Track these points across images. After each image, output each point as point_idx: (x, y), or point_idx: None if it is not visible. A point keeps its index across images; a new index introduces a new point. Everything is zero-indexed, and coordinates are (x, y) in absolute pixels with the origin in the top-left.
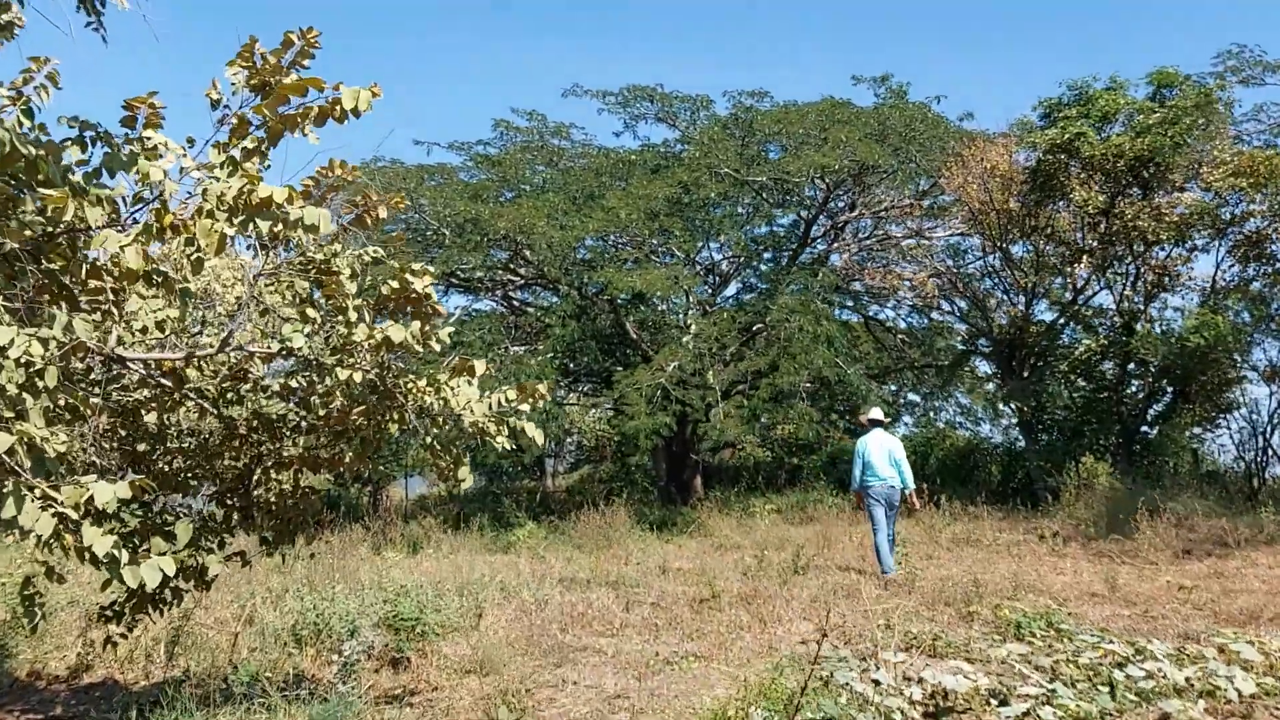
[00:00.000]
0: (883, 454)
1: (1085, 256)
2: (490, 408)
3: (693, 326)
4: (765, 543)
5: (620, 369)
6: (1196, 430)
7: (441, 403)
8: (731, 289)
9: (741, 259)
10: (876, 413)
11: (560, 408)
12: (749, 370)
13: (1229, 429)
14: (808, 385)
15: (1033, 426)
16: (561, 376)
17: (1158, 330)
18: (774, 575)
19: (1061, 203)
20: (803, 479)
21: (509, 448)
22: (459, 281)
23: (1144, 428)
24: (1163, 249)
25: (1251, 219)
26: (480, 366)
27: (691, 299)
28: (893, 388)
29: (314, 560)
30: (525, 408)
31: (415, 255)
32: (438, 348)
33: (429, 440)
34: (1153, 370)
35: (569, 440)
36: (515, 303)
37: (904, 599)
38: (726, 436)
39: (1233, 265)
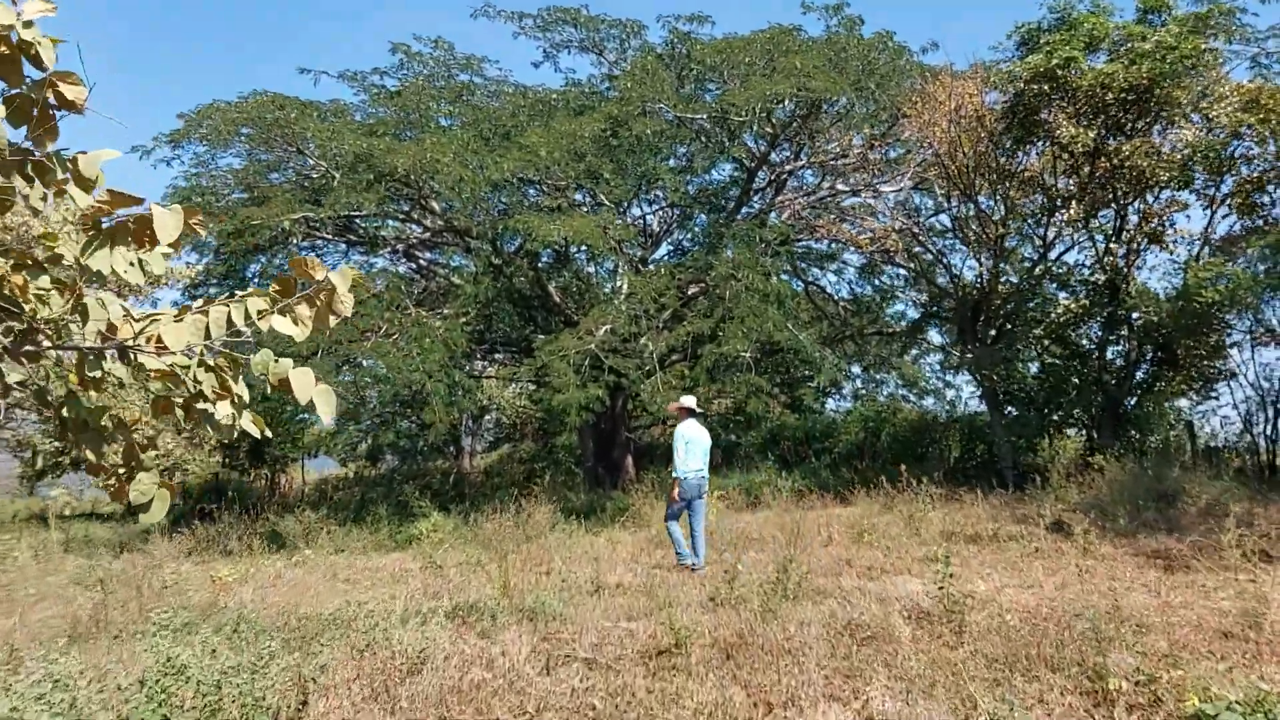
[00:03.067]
0: (700, 444)
1: (1073, 203)
2: (201, 337)
3: (624, 285)
4: (715, 537)
5: (542, 336)
6: (1184, 401)
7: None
8: (663, 250)
9: (676, 215)
10: (690, 400)
11: (475, 380)
12: (689, 335)
13: (1231, 398)
14: (745, 355)
15: (997, 398)
16: (475, 344)
17: (1146, 287)
18: (754, 599)
19: (1040, 144)
20: (741, 458)
21: (259, 433)
22: (358, 237)
23: (1128, 398)
24: (1155, 195)
25: (1253, 161)
26: (172, 220)
27: (623, 256)
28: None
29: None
30: (295, 330)
31: (298, 204)
32: None
33: (67, 414)
34: (1138, 334)
35: (488, 417)
36: (422, 263)
37: (952, 649)
38: (664, 411)
39: (1228, 215)
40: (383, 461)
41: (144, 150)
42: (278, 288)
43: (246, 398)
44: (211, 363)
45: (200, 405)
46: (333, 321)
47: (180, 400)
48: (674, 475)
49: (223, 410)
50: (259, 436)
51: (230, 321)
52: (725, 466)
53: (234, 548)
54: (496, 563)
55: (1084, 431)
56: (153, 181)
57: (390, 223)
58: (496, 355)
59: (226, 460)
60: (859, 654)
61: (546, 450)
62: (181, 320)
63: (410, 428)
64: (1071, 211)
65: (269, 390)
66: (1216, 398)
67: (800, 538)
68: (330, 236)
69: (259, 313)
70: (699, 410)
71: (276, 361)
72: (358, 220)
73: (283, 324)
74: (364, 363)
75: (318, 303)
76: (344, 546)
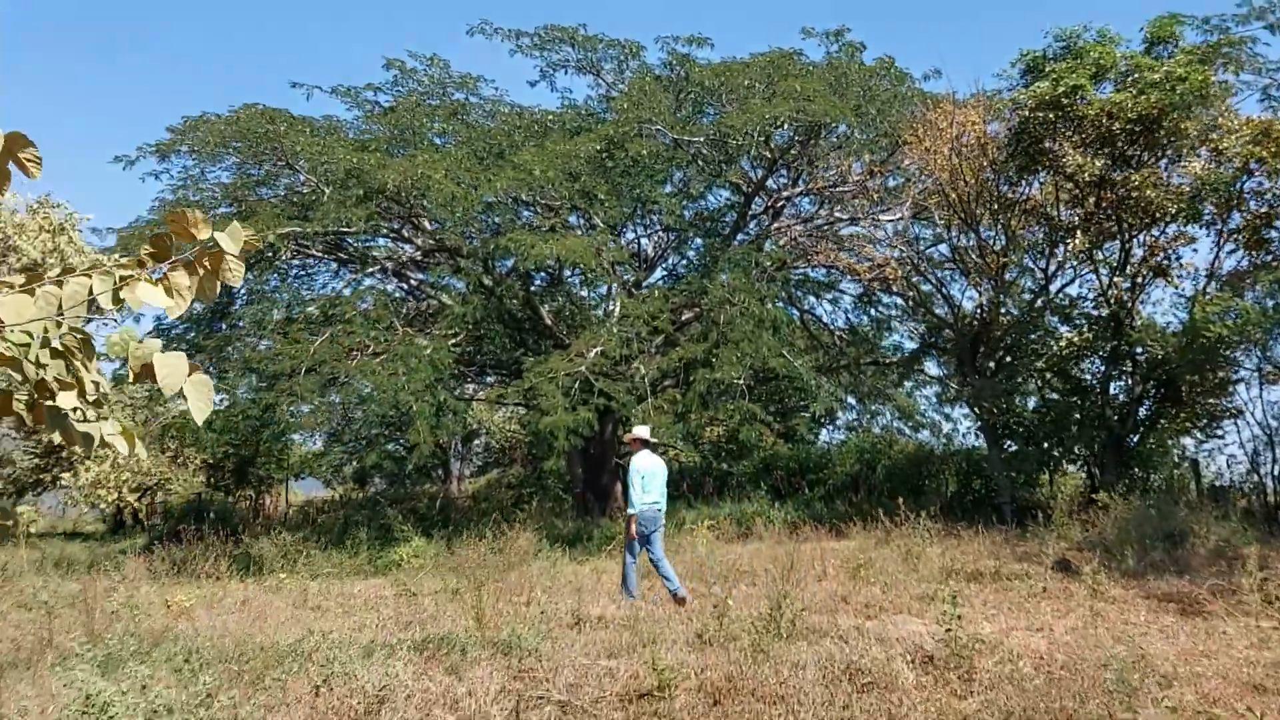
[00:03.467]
0: (656, 476)
1: (1079, 233)
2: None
3: (617, 308)
4: (706, 569)
5: (532, 359)
6: (1188, 440)
7: None
8: (657, 274)
9: (672, 239)
10: (643, 431)
11: (465, 403)
12: (682, 360)
13: (1238, 436)
14: (739, 381)
15: (996, 432)
16: (464, 366)
17: (1152, 321)
18: (744, 638)
19: (1042, 175)
20: (733, 488)
21: (127, 448)
22: (348, 255)
23: (1131, 435)
24: (1160, 228)
25: (1263, 195)
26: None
27: (616, 277)
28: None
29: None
30: (170, 303)
31: (286, 219)
32: None
33: None
34: (1142, 368)
35: (477, 441)
36: (413, 282)
37: (960, 698)
38: (655, 437)
39: (1234, 250)
40: (370, 484)
41: (127, 160)
42: (150, 250)
43: (104, 387)
44: (59, 344)
45: (48, 401)
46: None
47: (22, 399)
48: (629, 510)
49: (65, 401)
50: (126, 451)
51: (91, 293)
52: (716, 496)
53: (209, 570)
54: (473, 591)
55: (1085, 468)
56: (139, 193)
57: (381, 241)
58: (487, 378)
59: (211, 480)
60: (859, 702)
61: (535, 476)
62: (29, 291)
63: (397, 449)
64: (1076, 242)
65: (131, 378)
66: (1222, 436)
67: (794, 571)
68: (320, 254)
69: (121, 280)
70: (654, 441)
71: (140, 342)
72: (348, 238)
73: (152, 294)
74: (348, 382)
75: (200, 270)
76: (322, 570)
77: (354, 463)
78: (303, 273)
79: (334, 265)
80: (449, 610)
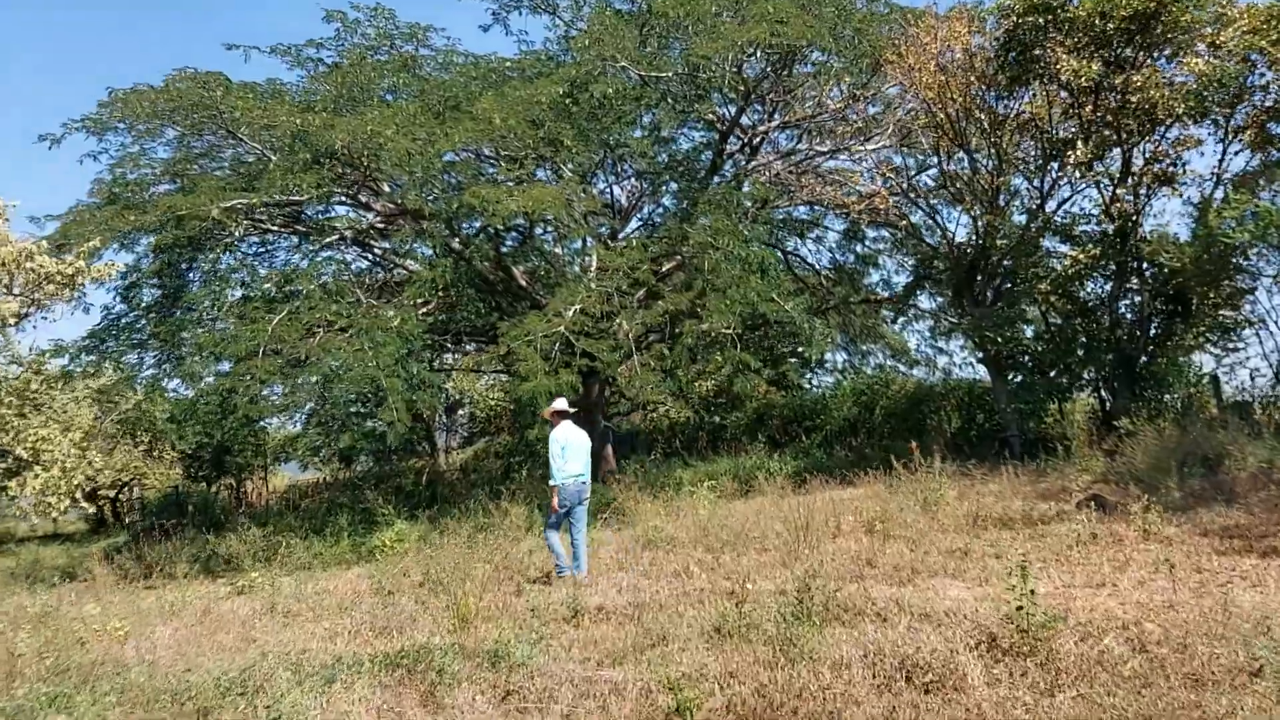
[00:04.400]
0: (580, 447)
1: (1079, 143)
2: None
3: (594, 262)
4: (711, 535)
5: (507, 322)
6: (1201, 354)
7: None
8: (633, 225)
9: (646, 188)
10: (562, 403)
11: (440, 374)
12: (667, 313)
13: (1260, 347)
14: (729, 330)
15: (999, 363)
16: (438, 335)
17: (1165, 231)
18: (769, 626)
19: (1035, 86)
20: (728, 441)
21: None
22: (308, 227)
23: (1142, 355)
24: (1164, 132)
25: (1268, 89)
26: None
27: (590, 229)
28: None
29: None
30: None
31: (230, 191)
32: None
33: None
34: (1150, 284)
35: (461, 412)
36: (376, 252)
37: (1049, 695)
38: (644, 395)
39: (1239, 150)
40: (356, 463)
41: (53, 139)
42: None
43: None
44: None
45: None
46: None
47: None
48: (550, 483)
49: None
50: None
51: None
52: (711, 451)
53: (181, 571)
54: (459, 584)
55: (1096, 393)
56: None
57: (341, 210)
58: (467, 346)
59: (189, 471)
60: (926, 710)
61: (523, 444)
62: None
63: (378, 426)
64: (1077, 153)
65: None
66: (1244, 348)
67: (807, 531)
68: (278, 229)
69: None
70: (573, 412)
71: None
72: (307, 210)
73: None
74: (312, 361)
75: None
76: (302, 563)
77: (331, 445)
78: (262, 249)
79: (295, 240)
80: (430, 608)
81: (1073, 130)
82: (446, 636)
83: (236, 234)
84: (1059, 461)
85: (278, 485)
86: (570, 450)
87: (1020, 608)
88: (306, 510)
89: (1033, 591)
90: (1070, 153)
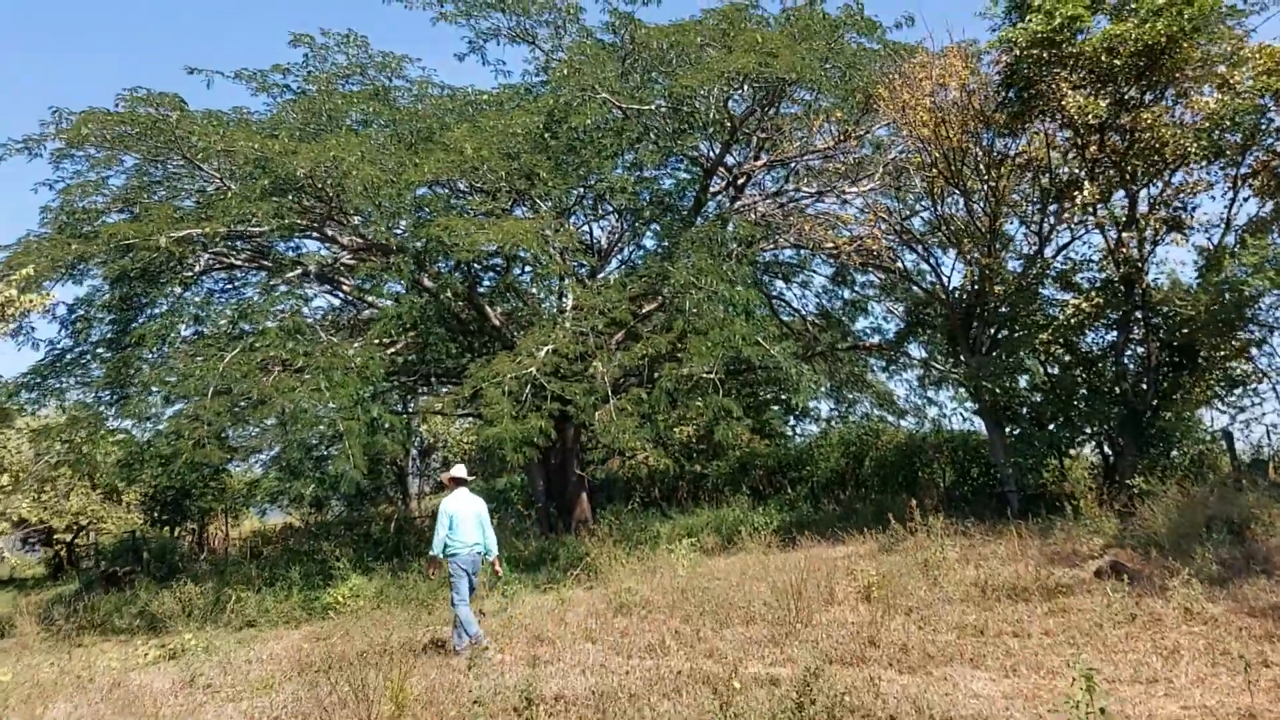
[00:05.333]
0: (471, 517)
1: (1086, 183)
2: None
3: (569, 300)
4: (690, 599)
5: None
6: (1209, 409)
7: None
8: (613, 267)
9: (626, 228)
10: (460, 470)
11: (402, 417)
12: (645, 356)
13: (1277, 403)
14: (710, 375)
15: (996, 414)
16: (404, 377)
17: (1177, 278)
18: None
19: (1036, 125)
20: (708, 491)
21: None
22: (275, 263)
23: (1147, 409)
24: (1170, 174)
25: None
26: None
27: (567, 267)
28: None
29: None
30: None
31: (184, 221)
32: None
33: None
34: (1158, 334)
35: (434, 455)
36: (345, 289)
37: None
38: (620, 441)
39: (1248, 197)
40: (327, 508)
41: None
42: None
43: None
44: None
45: None
46: None
47: None
48: (431, 554)
49: None
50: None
51: None
52: (691, 501)
53: (125, 624)
54: (399, 660)
55: (1099, 449)
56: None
57: (312, 245)
58: (442, 388)
59: (150, 516)
60: None
61: (497, 490)
62: None
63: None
64: (1084, 194)
65: None
66: (1260, 403)
67: (799, 599)
68: (243, 264)
69: None
70: (470, 480)
71: None
72: (277, 244)
73: None
74: (264, 402)
75: None
76: (250, 619)
77: (289, 490)
78: (230, 286)
79: (264, 276)
80: (363, 688)
81: (1076, 171)
82: None
83: (196, 268)
84: (1064, 521)
85: (247, 530)
86: (458, 519)
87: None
88: (267, 559)
89: (1103, 711)
90: (1077, 193)
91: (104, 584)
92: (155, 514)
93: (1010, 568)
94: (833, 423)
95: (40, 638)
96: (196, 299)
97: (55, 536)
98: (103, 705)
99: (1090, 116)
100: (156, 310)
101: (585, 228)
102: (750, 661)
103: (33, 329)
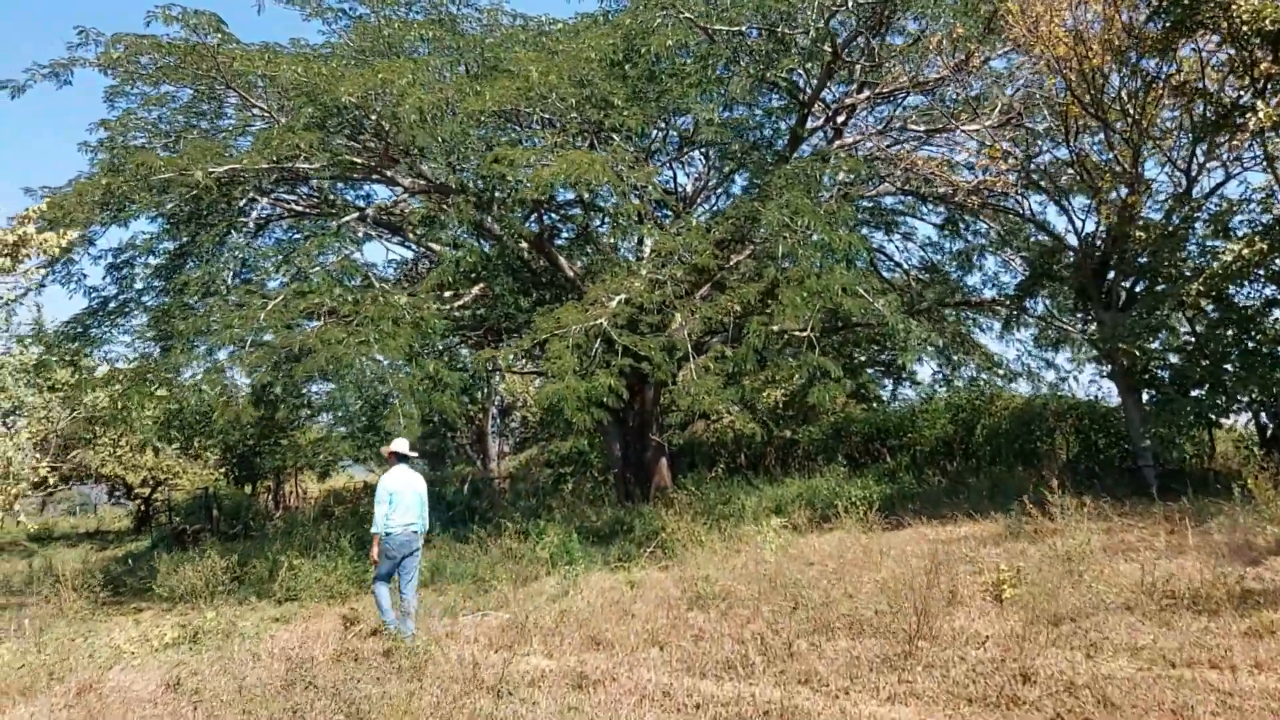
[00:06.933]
0: (411, 495)
1: (1259, 104)
2: None
3: (648, 244)
4: (780, 590)
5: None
6: None
7: None
8: (699, 215)
9: (712, 171)
10: (401, 444)
11: (482, 374)
12: (731, 311)
13: None
14: (805, 331)
15: (1132, 379)
16: (472, 330)
17: None
18: None
19: (1195, 39)
20: (799, 458)
21: None
22: (333, 208)
23: None
24: None
25: None
26: None
27: (645, 206)
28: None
29: None
30: None
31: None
32: None
33: None
34: None
35: (513, 415)
36: (413, 239)
37: None
38: (702, 404)
39: None
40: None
41: (16, 88)
42: None
43: None
44: None
45: None
46: None
47: None
48: (373, 532)
49: None
50: None
51: None
52: (780, 470)
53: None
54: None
55: (1254, 420)
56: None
57: (382, 192)
58: (509, 343)
59: (226, 473)
60: None
61: (576, 452)
62: None
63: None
64: (1259, 116)
65: None
66: None
67: (923, 604)
68: (306, 210)
69: None
70: (412, 455)
71: None
72: (339, 188)
73: None
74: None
75: None
76: (292, 592)
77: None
78: (298, 235)
79: (332, 224)
80: (376, 703)
81: (1240, 94)
82: None
83: (253, 213)
84: (1224, 503)
85: (326, 488)
86: (399, 498)
87: None
88: (337, 519)
89: None
90: (1243, 119)
91: (174, 542)
92: (231, 471)
93: (1175, 563)
94: (936, 386)
95: (75, 605)
96: (243, 243)
97: (134, 491)
98: (64, 714)
99: (1269, 23)
100: (205, 256)
101: (668, 171)
102: (860, 694)
103: (84, 275)
